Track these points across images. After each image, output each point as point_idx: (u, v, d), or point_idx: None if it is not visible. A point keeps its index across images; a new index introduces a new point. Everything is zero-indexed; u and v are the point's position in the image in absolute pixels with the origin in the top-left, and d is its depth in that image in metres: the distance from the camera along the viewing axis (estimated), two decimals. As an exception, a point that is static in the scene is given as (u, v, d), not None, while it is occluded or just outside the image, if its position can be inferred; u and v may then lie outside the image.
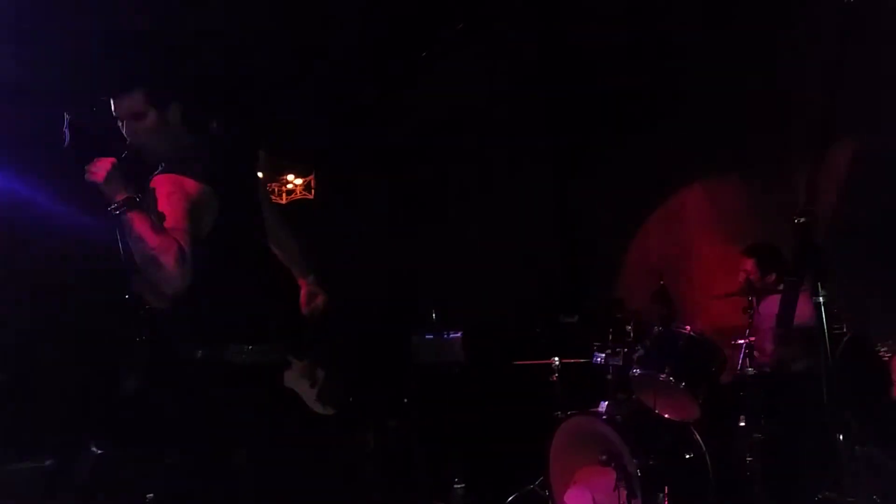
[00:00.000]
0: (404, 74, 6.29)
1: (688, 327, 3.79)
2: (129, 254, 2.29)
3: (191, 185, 2.38)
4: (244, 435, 2.58)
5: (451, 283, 6.38)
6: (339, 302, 2.98)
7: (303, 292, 2.83)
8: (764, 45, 4.44)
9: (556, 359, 4.35)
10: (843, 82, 1.98)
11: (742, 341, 3.59)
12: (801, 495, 3.54)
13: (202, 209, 2.38)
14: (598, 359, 4.09)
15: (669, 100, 5.06)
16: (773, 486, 3.48)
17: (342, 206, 6.47)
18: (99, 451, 3.76)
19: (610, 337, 4.22)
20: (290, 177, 6.59)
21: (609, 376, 4.04)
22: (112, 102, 2.53)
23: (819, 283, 1.73)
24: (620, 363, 4.02)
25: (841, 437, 1.75)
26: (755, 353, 3.66)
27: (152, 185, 2.38)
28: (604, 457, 3.54)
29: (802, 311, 2.85)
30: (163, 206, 2.32)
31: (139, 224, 2.23)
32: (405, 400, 5.43)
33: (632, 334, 4.10)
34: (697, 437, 3.77)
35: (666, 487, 3.46)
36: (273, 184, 6.41)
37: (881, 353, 3.14)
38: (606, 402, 3.89)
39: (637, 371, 3.85)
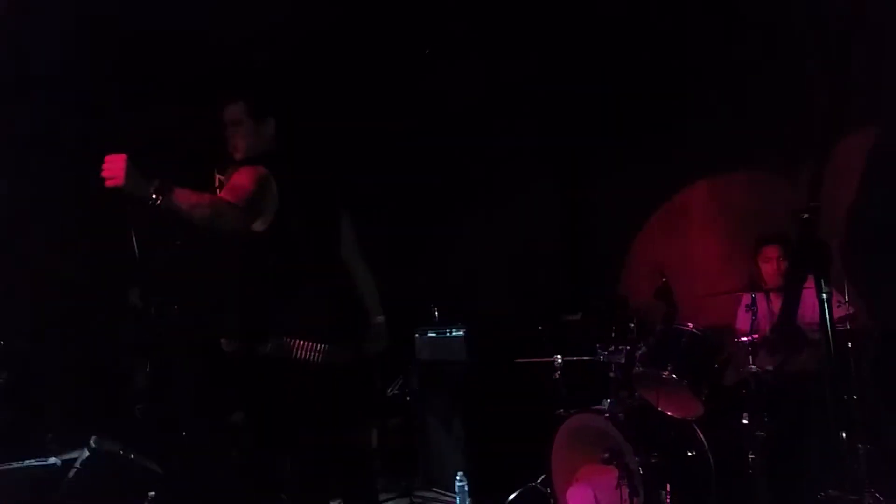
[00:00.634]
0: (407, 73, 6.28)
1: (690, 324, 3.78)
2: (142, 258, 2.48)
3: (263, 169, 2.69)
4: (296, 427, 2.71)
5: (453, 282, 6.37)
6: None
7: (372, 330, 3.02)
8: (767, 42, 4.42)
9: (559, 357, 4.34)
10: (848, 79, 1.97)
11: (745, 339, 3.58)
12: (805, 493, 3.53)
13: (270, 185, 2.65)
14: (602, 355, 4.08)
15: (673, 98, 5.05)
16: (776, 483, 3.47)
17: (345, 206, 6.47)
18: (99, 448, 3.76)
19: (613, 334, 4.22)
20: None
21: (612, 374, 4.03)
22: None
23: (822, 280, 1.72)
24: (623, 361, 4.02)
25: (844, 434, 1.74)
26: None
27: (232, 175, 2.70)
28: (606, 454, 3.54)
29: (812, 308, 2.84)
30: (236, 177, 2.65)
31: (183, 198, 2.42)
32: (407, 398, 5.43)
33: (635, 332, 4.10)
34: (700, 434, 3.77)
35: (668, 485, 3.46)
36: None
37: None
38: (609, 400, 3.89)
39: (640, 368, 3.84)
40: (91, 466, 3.81)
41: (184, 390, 4.35)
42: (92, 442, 3.92)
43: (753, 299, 3.64)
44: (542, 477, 4.13)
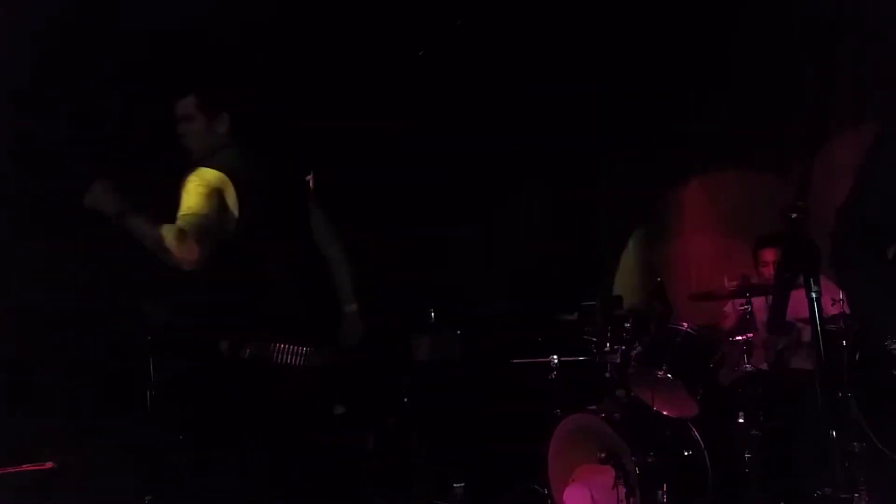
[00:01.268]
0: (403, 73, 6.29)
1: (685, 324, 3.79)
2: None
3: (212, 174, 2.58)
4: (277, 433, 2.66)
5: (449, 282, 6.38)
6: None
7: (345, 321, 2.97)
8: (760, 43, 4.44)
9: (555, 357, 4.34)
10: (837, 79, 1.98)
11: (740, 338, 3.58)
12: (800, 492, 3.54)
13: (224, 194, 2.57)
14: (597, 355, 4.09)
15: (668, 98, 5.06)
16: (771, 482, 3.47)
17: (341, 205, 6.47)
18: (96, 452, 3.76)
19: (608, 334, 4.22)
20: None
21: (607, 374, 4.04)
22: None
23: (812, 279, 1.72)
24: (619, 361, 4.02)
25: (834, 433, 1.75)
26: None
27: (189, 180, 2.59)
28: (602, 454, 3.54)
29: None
30: (183, 197, 2.54)
31: (136, 225, 2.47)
32: (404, 399, 5.43)
33: (630, 332, 4.10)
34: (696, 433, 3.77)
35: (664, 484, 3.46)
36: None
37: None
38: (605, 400, 3.89)
39: (635, 368, 3.84)
40: (88, 471, 3.82)
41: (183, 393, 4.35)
42: (90, 447, 3.92)
43: (748, 299, 3.65)
44: (539, 477, 4.13)
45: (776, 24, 4.18)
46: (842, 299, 3.46)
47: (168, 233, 2.41)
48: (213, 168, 2.61)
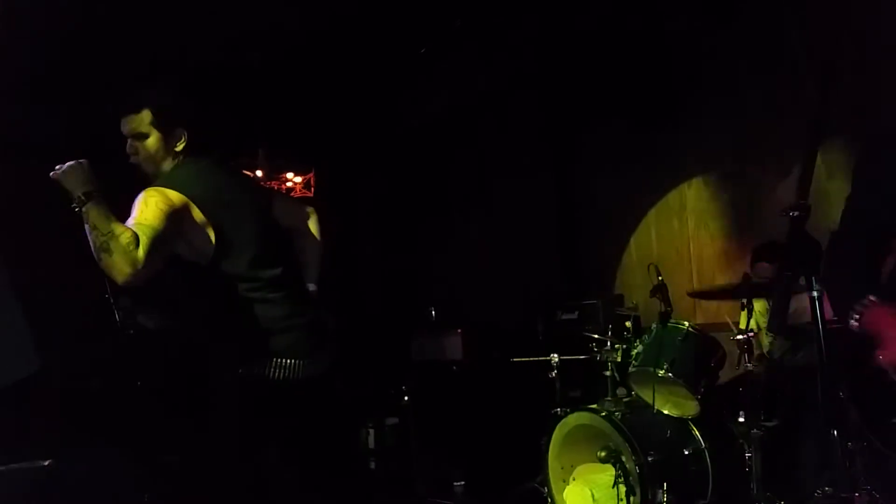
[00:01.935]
0: (403, 72, 6.29)
1: (686, 323, 3.78)
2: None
3: (175, 195, 2.40)
4: (270, 442, 2.63)
5: (450, 281, 6.38)
6: (338, 300, 2.99)
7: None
8: (760, 41, 4.43)
9: (555, 356, 4.34)
10: (837, 78, 1.97)
11: (741, 337, 3.57)
12: (801, 491, 3.53)
13: (184, 220, 2.40)
14: (598, 354, 4.08)
15: (670, 98, 5.04)
16: (772, 482, 3.47)
17: (341, 204, 6.48)
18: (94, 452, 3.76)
19: (609, 333, 4.22)
20: (290, 174, 6.60)
21: (608, 373, 4.03)
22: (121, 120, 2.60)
23: (813, 278, 1.72)
24: (619, 359, 4.02)
25: (835, 432, 1.74)
26: None
27: (137, 198, 2.39)
28: (603, 453, 3.53)
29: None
30: (139, 207, 2.34)
31: (94, 213, 2.25)
32: (405, 398, 5.43)
33: (631, 330, 4.10)
34: (696, 432, 3.77)
35: (665, 483, 3.45)
36: (272, 182, 6.42)
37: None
38: (605, 399, 3.89)
39: (636, 367, 3.84)
40: (86, 470, 3.81)
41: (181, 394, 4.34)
42: (87, 446, 3.92)
43: (748, 298, 3.64)
44: (539, 476, 4.13)
45: (776, 24, 4.17)
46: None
47: (123, 233, 2.20)
48: (175, 190, 2.41)
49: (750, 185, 4.64)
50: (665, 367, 3.65)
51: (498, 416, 4.84)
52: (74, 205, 2.31)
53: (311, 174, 6.43)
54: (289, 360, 2.53)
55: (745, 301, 3.70)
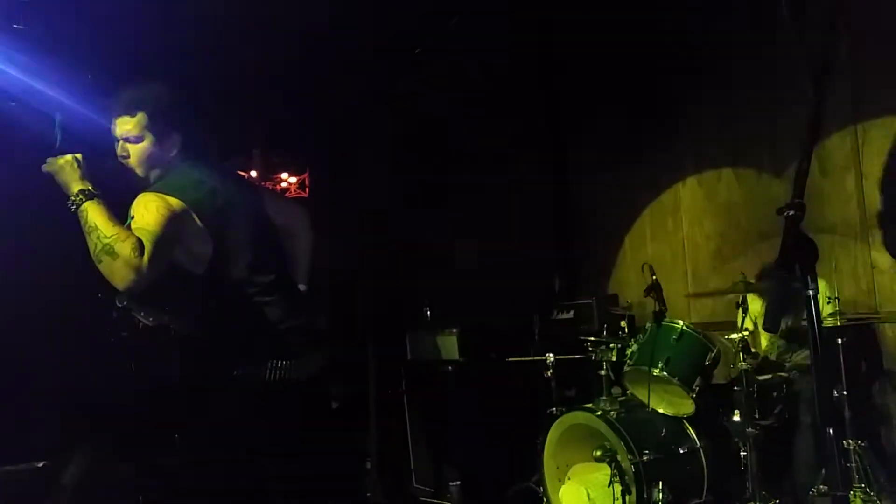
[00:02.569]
0: (398, 71, 6.28)
1: (681, 322, 3.79)
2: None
3: (174, 201, 2.37)
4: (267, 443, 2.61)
5: (445, 281, 6.38)
6: (333, 300, 2.99)
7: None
8: (756, 39, 4.44)
9: (551, 355, 4.34)
10: (834, 77, 1.98)
11: (735, 336, 3.59)
12: (796, 490, 3.55)
13: (184, 225, 2.37)
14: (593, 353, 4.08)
15: (664, 96, 5.05)
16: (767, 480, 3.48)
17: (336, 205, 6.47)
18: (91, 453, 3.75)
19: (604, 333, 4.23)
20: (284, 175, 6.59)
21: (603, 372, 4.04)
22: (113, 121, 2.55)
23: (809, 277, 1.72)
24: (614, 359, 4.03)
25: (830, 431, 1.75)
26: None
27: (134, 203, 2.37)
28: (598, 452, 3.54)
29: None
30: (139, 212, 2.31)
31: (94, 214, 2.24)
32: (400, 397, 5.42)
33: (626, 329, 4.11)
34: (691, 431, 3.78)
35: (660, 482, 3.46)
36: (266, 182, 6.41)
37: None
38: (601, 398, 3.89)
39: (631, 366, 3.84)
40: (83, 471, 3.81)
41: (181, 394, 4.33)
42: (84, 447, 3.91)
43: (743, 297, 3.66)
44: (535, 475, 4.13)
45: (773, 22, 4.18)
46: (836, 297, 3.48)
47: (127, 237, 2.17)
48: (173, 196, 2.38)
49: (745, 185, 4.65)
50: (660, 366, 3.66)
51: (494, 416, 4.84)
52: (71, 202, 2.28)
53: (306, 174, 6.42)
54: (283, 361, 2.52)
55: (739, 300, 3.72)
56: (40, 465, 3.69)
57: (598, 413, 3.74)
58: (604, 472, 3.56)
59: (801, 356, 3.92)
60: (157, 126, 2.54)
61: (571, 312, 5.08)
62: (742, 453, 3.49)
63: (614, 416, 3.71)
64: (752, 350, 3.99)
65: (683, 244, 5.03)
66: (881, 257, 3.89)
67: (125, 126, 2.53)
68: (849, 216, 3.97)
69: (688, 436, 3.77)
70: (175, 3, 4.55)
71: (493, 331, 5.42)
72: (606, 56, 5.44)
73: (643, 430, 3.68)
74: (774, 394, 3.75)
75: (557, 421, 3.95)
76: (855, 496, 3.01)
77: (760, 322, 4.03)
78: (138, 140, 2.53)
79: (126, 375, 4.23)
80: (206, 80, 5.27)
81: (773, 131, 4.40)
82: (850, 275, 3.98)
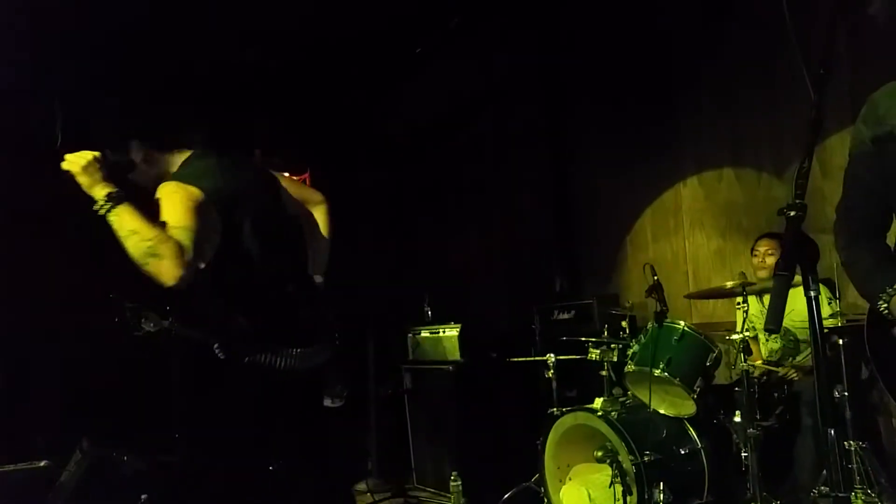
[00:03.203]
0: (398, 71, 6.28)
1: (682, 322, 3.79)
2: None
3: (195, 190, 2.37)
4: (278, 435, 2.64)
5: (446, 280, 6.37)
6: (335, 299, 2.99)
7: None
8: (757, 39, 4.43)
9: (552, 355, 4.34)
10: (834, 77, 1.97)
11: (736, 336, 3.58)
12: (797, 491, 3.54)
13: (207, 212, 2.37)
14: (594, 354, 4.08)
15: (666, 97, 5.05)
16: (768, 481, 3.48)
17: (337, 204, 6.47)
18: (91, 451, 3.75)
19: (605, 333, 4.23)
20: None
21: (604, 372, 4.04)
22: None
23: (810, 278, 1.72)
24: (615, 359, 4.03)
25: (832, 432, 1.75)
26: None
27: (157, 194, 2.36)
28: (599, 453, 3.54)
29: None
30: (166, 207, 2.31)
31: (129, 218, 2.22)
32: (403, 397, 5.43)
33: (627, 330, 4.10)
34: (692, 432, 3.78)
35: (661, 483, 3.46)
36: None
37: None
38: (602, 399, 3.89)
39: (632, 367, 3.84)
40: (83, 469, 3.80)
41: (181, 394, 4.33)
42: (84, 444, 3.91)
43: (744, 297, 3.65)
44: (536, 476, 4.13)
45: (773, 22, 4.17)
46: (837, 297, 3.47)
47: (169, 237, 2.19)
48: (191, 184, 2.38)
49: (746, 185, 4.65)
50: (661, 366, 3.66)
51: (494, 416, 4.84)
52: (99, 206, 2.26)
53: (307, 174, 6.42)
54: (294, 350, 2.54)
55: (739, 301, 3.72)
56: (42, 464, 3.68)
57: (599, 413, 3.74)
58: (605, 472, 3.56)
59: (802, 357, 3.93)
60: (157, 149, 2.57)
61: (572, 312, 5.08)
62: (743, 454, 3.48)
63: (615, 416, 3.71)
64: (754, 350, 4.00)
65: (684, 244, 5.03)
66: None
67: (129, 155, 2.56)
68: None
69: (689, 436, 3.77)
70: (175, 3, 4.56)
71: (494, 331, 5.43)
72: (607, 56, 5.44)
73: (644, 430, 3.67)
74: (775, 394, 3.75)
75: (558, 421, 3.95)
76: (856, 497, 3.00)
77: (759, 324, 4.03)
78: (137, 166, 2.56)
79: (134, 373, 4.23)
80: (205, 78, 5.28)
81: (774, 131, 4.40)
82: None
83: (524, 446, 4.26)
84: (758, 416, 3.51)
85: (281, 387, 2.57)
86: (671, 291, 4.24)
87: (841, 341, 3.19)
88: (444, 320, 5.31)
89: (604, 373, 4.04)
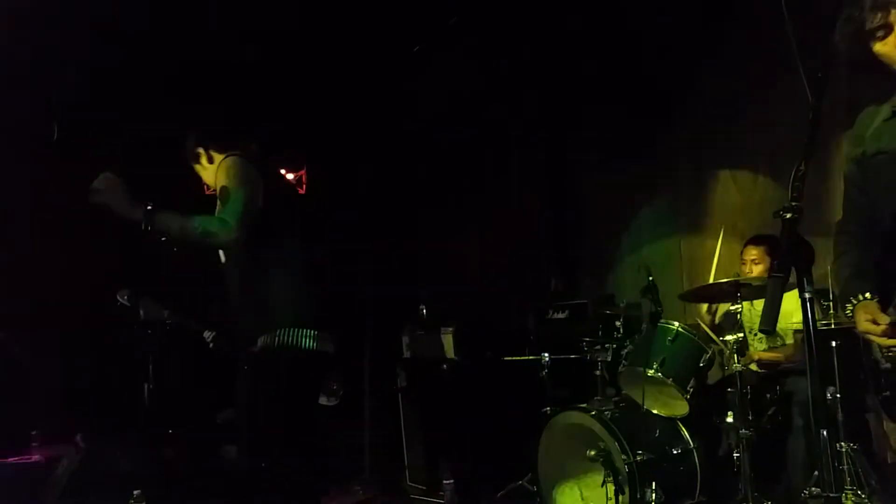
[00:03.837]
0: (396, 69, 6.28)
1: (676, 323, 3.80)
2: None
3: (249, 165, 2.72)
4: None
5: (442, 280, 6.38)
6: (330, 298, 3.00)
7: None
8: (756, 39, 4.45)
9: (546, 355, 4.35)
10: (832, 79, 1.98)
11: (731, 337, 3.60)
12: (788, 491, 3.56)
13: (257, 184, 2.67)
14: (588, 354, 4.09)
15: (662, 98, 5.06)
16: (760, 482, 3.49)
17: (333, 201, 6.46)
18: (85, 446, 3.74)
19: (599, 333, 4.24)
20: (282, 171, 6.58)
21: (598, 372, 4.05)
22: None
23: (805, 279, 1.73)
24: (609, 359, 4.04)
25: (824, 433, 1.76)
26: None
27: (220, 167, 2.75)
28: (592, 452, 3.55)
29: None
30: (220, 177, 2.68)
31: (171, 219, 2.52)
32: (398, 395, 5.43)
33: (621, 330, 4.11)
34: (685, 432, 3.79)
35: (654, 483, 3.47)
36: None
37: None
38: (595, 398, 3.90)
39: (626, 367, 3.85)
40: (77, 464, 3.80)
41: (175, 389, 4.33)
42: (78, 440, 3.91)
43: (738, 298, 3.66)
44: (529, 475, 4.14)
45: (772, 24, 4.19)
46: (830, 301, 3.48)
47: (209, 223, 2.53)
48: (246, 160, 2.73)
49: (741, 186, 4.66)
50: (655, 366, 3.67)
51: (488, 415, 4.85)
52: (144, 227, 2.48)
53: (303, 171, 6.42)
54: (308, 331, 2.66)
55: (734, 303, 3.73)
56: (35, 458, 3.68)
57: (593, 413, 3.75)
58: (597, 471, 3.57)
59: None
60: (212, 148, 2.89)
61: (567, 312, 5.09)
62: (735, 454, 3.50)
63: (609, 416, 3.72)
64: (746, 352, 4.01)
65: (679, 245, 5.05)
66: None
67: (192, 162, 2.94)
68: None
69: (681, 436, 3.78)
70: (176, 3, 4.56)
71: (489, 330, 5.43)
72: (606, 57, 5.45)
73: (637, 430, 3.69)
74: (768, 395, 3.77)
75: (552, 420, 3.95)
76: (847, 498, 3.02)
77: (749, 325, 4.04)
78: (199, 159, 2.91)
79: (128, 368, 4.23)
80: (204, 76, 5.27)
81: (771, 133, 4.41)
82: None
83: (517, 445, 4.27)
84: (750, 417, 3.53)
85: (277, 383, 2.59)
86: (666, 292, 4.25)
87: (834, 343, 3.20)
88: (439, 319, 5.31)
89: (598, 372, 4.04)
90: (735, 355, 3.54)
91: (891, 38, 2.05)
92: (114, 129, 4.66)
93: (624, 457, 3.51)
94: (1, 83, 4.38)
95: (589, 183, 5.65)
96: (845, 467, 3.07)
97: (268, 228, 2.69)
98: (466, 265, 6.45)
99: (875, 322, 1.95)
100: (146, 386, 3.74)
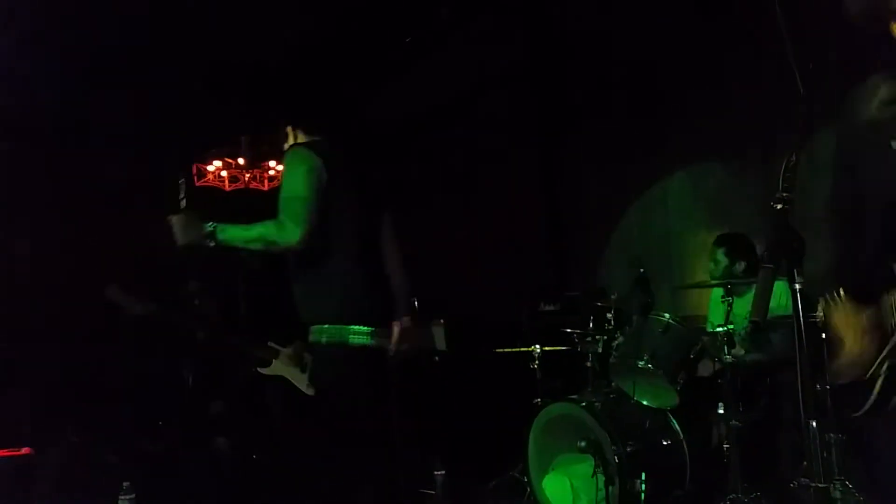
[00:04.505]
0: (388, 63, 6.26)
1: (666, 315, 3.80)
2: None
3: (310, 155, 2.70)
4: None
5: (433, 271, 6.37)
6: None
7: (397, 330, 2.91)
8: (746, 34, 4.45)
9: (538, 346, 4.36)
10: (823, 72, 1.98)
11: (720, 329, 3.61)
12: (777, 482, 3.58)
13: (320, 175, 2.65)
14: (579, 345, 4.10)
15: (655, 91, 5.07)
16: (749, 472, 3.51)
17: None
18: (76, 439, 3.73)
19: (591, 325, 4.24)
20: (273, 163, 6.55)
21: (589, 364, 4.06)
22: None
23: (795, 271, 1.73)
24: (600, 351, 4.04)
25: (813, 424, 1.77)
26: None
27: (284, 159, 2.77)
28: (582, 443, 3.56)
29: None
30: (286, 177, 2.69)
31: (234, 234, 2.60)
32: (387, 387, 5.42)
33: (612, 322, 4.12)
34: (675, 423, 3.80)
35: (643, 474, 3.49)
36: (255, 169, 6.37)
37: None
38: (586, 390, 3.91)
39: (616, 358, 3.86)
40: (67, 457, 3.79)
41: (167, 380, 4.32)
42: (68, 432, 3.89)
43: (728, 290, 3.67)
44: (520, 466, 4.15)
45: (763, 16, 4.19)
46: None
47: (268, 230, 2.54)
48: (309, 149, 2.73)
49: (731, 179, 4.67)
50: (645, 358, 3.68)
51: (479, 406, 4.86)
52: (211, 244, 2.58)
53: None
54: (365, 328, 2.69)
55: (723, 295, 3.74)
56: (25, 451, 3.66)
57: (583, 404, 3.75)
58: (587, 462, 3.58)
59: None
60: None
61: (558, 304, 5.10)
62: (725, 446, 3.52)
63: (599, 407, 3.73)
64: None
65: (670, 237, 5.06)
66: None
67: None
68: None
69: (671, 428, 3.80)
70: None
71: (481, 322, 5.43)
72: (597, 52, 5.45)
73: (627, 421, 3.70)
74: (758, 387, 3.78)
75: (542, 411, 3.96)
76: (835, 489, 3.04)
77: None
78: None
79: (119, 362, 4.22)
80: (201, 71, 5.26)
81: (763, 126, 4.42)
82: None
83: (508, 436, 4.27)
84: (740, 409, 3.54)
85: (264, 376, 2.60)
86: (657, 284, 4.26)
87: (824, 335, 3.21)
88: (431, 311, 5.31)
89: (589, 364, 4.05)
90: (725, 347, 3.55)
91: None
92: (114, 129, 4.64)
93: (614, 447, 3.52)
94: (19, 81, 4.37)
95: (580, 176, 5.66)
96: (834, 458, 3.09)
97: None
98: (458, 257, 6.44)
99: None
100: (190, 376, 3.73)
